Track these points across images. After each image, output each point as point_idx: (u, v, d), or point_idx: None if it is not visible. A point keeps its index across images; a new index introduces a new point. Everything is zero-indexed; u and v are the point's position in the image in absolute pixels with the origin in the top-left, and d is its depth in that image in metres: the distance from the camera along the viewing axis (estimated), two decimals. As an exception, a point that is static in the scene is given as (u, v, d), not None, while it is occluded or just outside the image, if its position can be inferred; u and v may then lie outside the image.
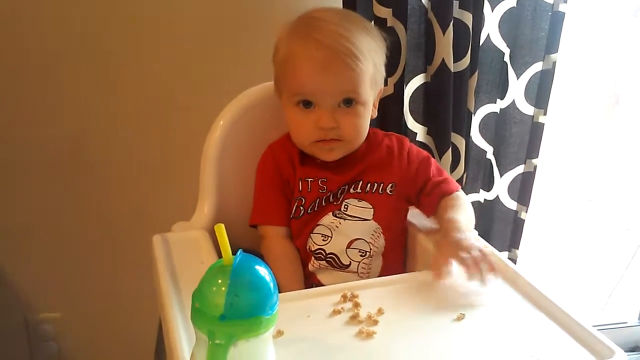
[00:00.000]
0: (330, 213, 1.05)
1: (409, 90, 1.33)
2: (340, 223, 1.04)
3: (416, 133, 1.37)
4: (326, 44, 0.97)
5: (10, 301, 1.52)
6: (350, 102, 1.01)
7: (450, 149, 1.35)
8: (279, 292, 0.95)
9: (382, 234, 1.05)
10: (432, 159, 1.11)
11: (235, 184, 1.13)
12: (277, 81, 1.07)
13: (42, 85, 1.36)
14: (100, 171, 1.44)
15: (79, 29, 1.33)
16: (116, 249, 1.51)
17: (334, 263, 1.03)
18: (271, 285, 0.69)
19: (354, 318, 0.84)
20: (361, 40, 0.99)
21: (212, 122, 1.13)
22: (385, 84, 1.18)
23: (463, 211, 1.03)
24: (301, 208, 1.06)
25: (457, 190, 1.07)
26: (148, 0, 1.34)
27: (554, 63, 1.36)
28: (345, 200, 1.05)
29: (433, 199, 1.06)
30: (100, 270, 1.52)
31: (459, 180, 1.38)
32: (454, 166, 1.37)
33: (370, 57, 1.01)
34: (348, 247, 1.03)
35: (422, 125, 1.37)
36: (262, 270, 0.69)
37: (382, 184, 1.06)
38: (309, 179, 1.06)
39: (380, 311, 0.86)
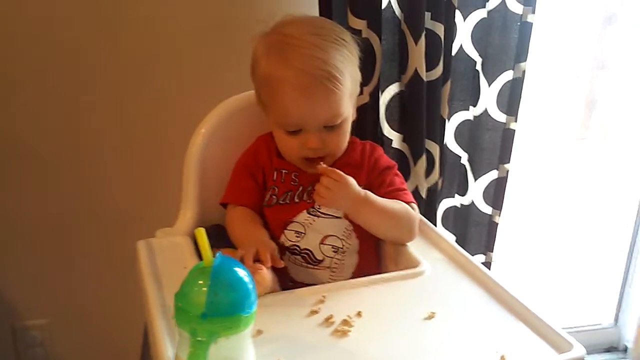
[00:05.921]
0: (305, 211, 1.09)
1: (384, 98, 1.38)
2: (314, 220, 1.08)
3: (392, 140, 1.41)
4: (306, 71, 1.00)
5: (-4, 308, 1.54)
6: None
7: (424, 155, 1.39)
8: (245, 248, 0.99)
9: (353, 232, 1.09)
10: (397, 171, 1.15)
11: (217, 191, 1.16)
12: (259, 97, 1.10)
13: (32, 86, 1.38)
14: (84, 179, 1.47)
15: (72, 30, 1.35)
16: (102, 255, 1.53)
17: (309, 259, 1.07)
18: (249, 285, 0.73)
19: (330, 318, 0.89)
20: (337, 57, 1.02)
21: (196, 131, 1.17)
22: (361, 92, 1.22)
23: (397, 207, 1.07)
24: (274, 197, 1.11)
25: (412, 202, 1.11)
26: (141, 2, 1.37)
27: (524, 71, 1.41)
28: None
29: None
30: (87, 276, 1.54)
31: (434, 185, 1.43)
32: (428, 172, 1.41)
33: (347, 71, 1.04)
34: (321, 242, 1.08)
35: (397, 132, 1.41)
36: (241, 272, 0.73)
37: None
38: (283, 171, 1.12)
39: (355, 311, 0.90)
